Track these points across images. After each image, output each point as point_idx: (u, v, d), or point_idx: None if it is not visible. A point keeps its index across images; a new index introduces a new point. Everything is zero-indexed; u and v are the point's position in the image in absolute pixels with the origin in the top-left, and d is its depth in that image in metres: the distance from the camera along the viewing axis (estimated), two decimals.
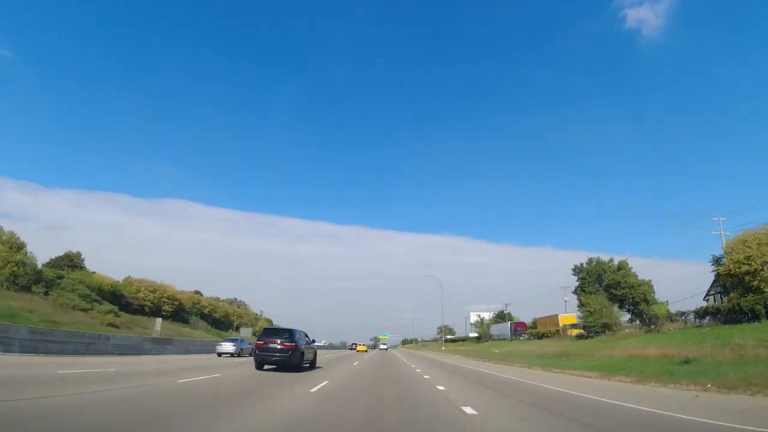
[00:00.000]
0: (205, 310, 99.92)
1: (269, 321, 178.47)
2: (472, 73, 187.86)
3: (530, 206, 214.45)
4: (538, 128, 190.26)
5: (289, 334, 18.62)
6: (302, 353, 18.64)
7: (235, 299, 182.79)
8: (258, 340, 18.89)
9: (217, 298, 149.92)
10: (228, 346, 33.40)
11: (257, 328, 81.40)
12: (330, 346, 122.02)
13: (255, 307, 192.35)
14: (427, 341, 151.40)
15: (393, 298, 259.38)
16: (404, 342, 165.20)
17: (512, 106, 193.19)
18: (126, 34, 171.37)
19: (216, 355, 32.75)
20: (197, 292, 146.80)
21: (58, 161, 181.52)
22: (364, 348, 78.76)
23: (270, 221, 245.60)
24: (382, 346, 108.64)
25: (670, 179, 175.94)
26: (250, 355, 26.60)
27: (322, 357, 29.15)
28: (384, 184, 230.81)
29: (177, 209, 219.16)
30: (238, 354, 33.07)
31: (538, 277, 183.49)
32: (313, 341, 22.75)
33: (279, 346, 17.78)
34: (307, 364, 19.85)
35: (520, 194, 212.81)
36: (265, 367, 18.29)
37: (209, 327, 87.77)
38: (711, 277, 38.68)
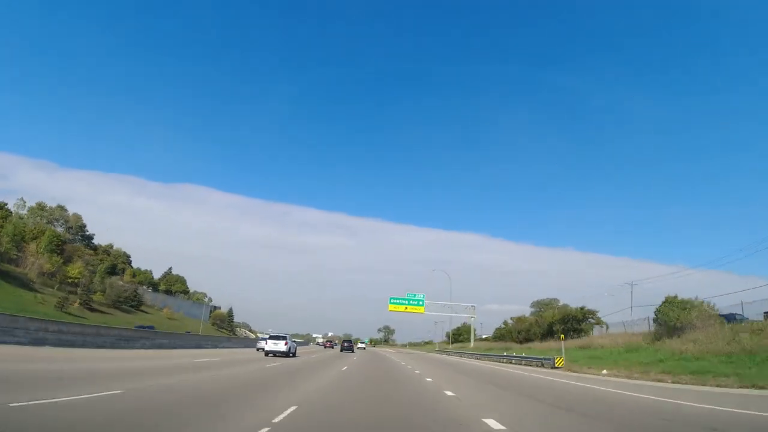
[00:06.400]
0: None
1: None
2: (500, 72, 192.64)
3: (556, 207, 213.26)
4: (566, 133, 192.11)
5: (351, 341, 64.45)
6: (353, 346, 61.88)
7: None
8: (343, 342, 64.20)
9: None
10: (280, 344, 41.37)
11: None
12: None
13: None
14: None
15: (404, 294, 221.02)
16: (457, 336, 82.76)
17: (535, 110, 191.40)
18: (149, 32, 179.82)
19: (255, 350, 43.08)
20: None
21: (76, 144, 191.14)
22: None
23: (284, 210, 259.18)
24: (360, 345, 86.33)
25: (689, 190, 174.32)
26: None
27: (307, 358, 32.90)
28: (404, 178, 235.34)
29: (191, 193, 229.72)
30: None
31: (557, 278, 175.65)
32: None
33: (348, 344, 59.80)
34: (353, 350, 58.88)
35: (545, 196, 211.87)
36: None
37: None
38: None
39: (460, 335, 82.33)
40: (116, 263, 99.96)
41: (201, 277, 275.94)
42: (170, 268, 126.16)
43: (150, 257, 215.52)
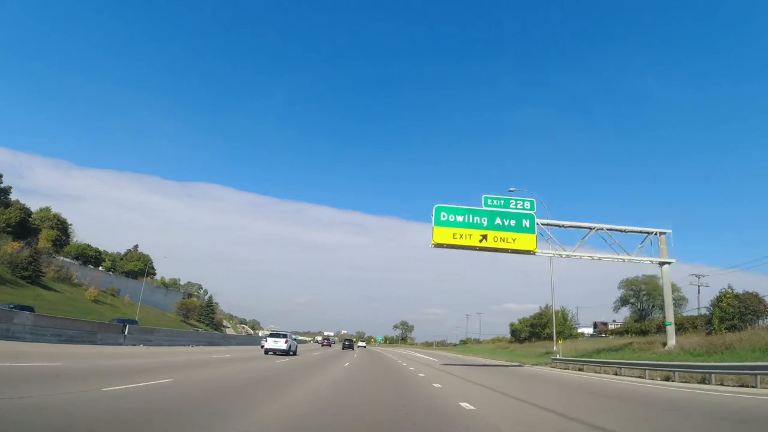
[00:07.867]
0: None
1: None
2: (501, 72, 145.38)
3: (563, 206, 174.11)
4: (568, 131, 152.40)
5: (351, 341, 68.55)
6: (353, 345, 65.52)
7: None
8: (344, 342, 67.11)
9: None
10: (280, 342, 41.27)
11: None
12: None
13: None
14: None
15: (418, 292, 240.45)
16: (539, 331, 51.44)
17: (535, 109, 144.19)
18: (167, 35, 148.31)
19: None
20: None
21: (92, 142, 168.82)
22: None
23: (298, 207, 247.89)
24: (360, 344, 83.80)
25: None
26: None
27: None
28: (412, 177, 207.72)
29: (205, 191, 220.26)
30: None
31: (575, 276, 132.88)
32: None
33: (348, 343, 63.58)
34: (355, 349, 62.78)
35: (550, 195, 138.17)
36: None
37: None
38: None
39: (543, 328, 47.31)
40: (39, 227, 71.82)
41: (210, 275, 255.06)
42: (136, 246, 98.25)
43: (159, 255, 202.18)
